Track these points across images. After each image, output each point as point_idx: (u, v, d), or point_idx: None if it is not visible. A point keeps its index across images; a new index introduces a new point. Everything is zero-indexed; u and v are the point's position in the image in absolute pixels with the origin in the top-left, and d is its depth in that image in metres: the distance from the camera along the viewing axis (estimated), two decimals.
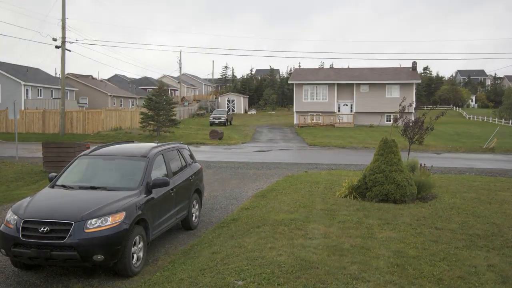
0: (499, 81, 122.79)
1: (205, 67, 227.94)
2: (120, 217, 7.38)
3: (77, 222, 7.13)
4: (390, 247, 8.17)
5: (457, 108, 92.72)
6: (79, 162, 9.32)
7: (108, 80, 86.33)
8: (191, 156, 11.45)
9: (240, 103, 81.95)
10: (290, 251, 7.89)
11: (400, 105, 17.97)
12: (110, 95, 64.15)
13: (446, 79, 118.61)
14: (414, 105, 26.34)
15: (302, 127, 50.80)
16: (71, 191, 8.40)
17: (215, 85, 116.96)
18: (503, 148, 31.18)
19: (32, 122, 38.90)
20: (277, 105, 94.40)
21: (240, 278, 6.77)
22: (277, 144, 34.81)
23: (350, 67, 74.38)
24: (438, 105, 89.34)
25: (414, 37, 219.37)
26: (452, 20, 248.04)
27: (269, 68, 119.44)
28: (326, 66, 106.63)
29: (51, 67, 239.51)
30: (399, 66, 63.27)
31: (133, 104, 71.94)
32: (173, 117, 38.08)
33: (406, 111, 17.85)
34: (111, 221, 7.28)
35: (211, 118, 53.92)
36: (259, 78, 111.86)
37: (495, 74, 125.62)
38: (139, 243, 7.85)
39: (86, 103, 61.38)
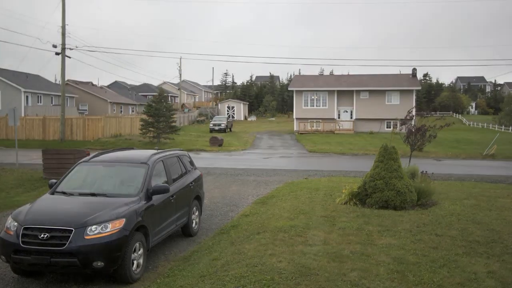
0: (499, 88, 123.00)
1: (205, 74, 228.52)
2: (120, 223, 7.39)
3: (77, 229, 7.14)
4: (390, 253, 8.17)
5: (457, 114, 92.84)
6: (79, 168, 9.33)
7: (108, 86, 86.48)
8: (191, 162, 11.47)
9: (240, 109, 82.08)
10: (290, 257, 7.89)
11: (409, 112, 18.05)
12: (110, 102, 64.23)
13: (446, 85, 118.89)
14: (414, 113, 26.44)
15: (302, 133, 50.85)
16: (71, 197, 8.40)
17: (215, 92, 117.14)
18: (503, 155, 31.18)
19: (32, 129, 38.93)
20: (277, 111, 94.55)
21: (240, 284, 6.77)
22: (277, 150, 34.82)
23: (350, 73, 74.56)
24: (438, 112, 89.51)
25: (414, 42, 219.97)
26: (452, 25, 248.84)
27: (269, 74, 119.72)
28: (326, 72, 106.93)
29: (51, 73, 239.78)
30: (399, 73, 63.42)
31: (133, 111, 72.02)
32: (173, 124, 38.14)
33: (409, 118, 17.96)
34: (111, 228, 7.29)
35: (211, 125, 53.97)
36: (259, 84, 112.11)
37: (495, 80, 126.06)
38: (139, 249, 7.85)
39: (86, 110, 61.47)
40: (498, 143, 33.70)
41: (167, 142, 36.23)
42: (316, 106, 55.13)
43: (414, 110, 24.85)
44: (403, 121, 18.08)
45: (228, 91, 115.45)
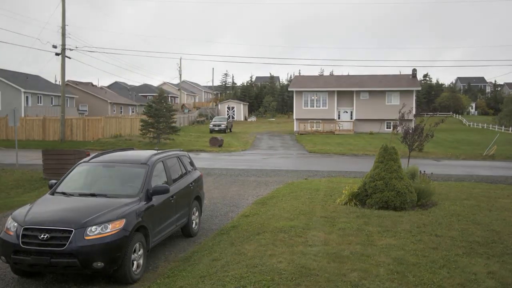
0: (499, 88, 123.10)
1: (205, 74, 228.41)
2: (120, 224, 7.39)
3: (77, 229, 7.14)
4: (390, 254, 8.17)
5: (457, 115, 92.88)
6: (79, 169, 9.33)
7: (108, 87, 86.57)
8: (191, 163, 11.47)
9: (240, 110, 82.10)
10: (290, 258, 7.89)
11: (399, 112, 17.99)
12: (110, 102, 64.26)
13: (446, 86, 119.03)
14: (413, 112, 26.37)
15: (302, 134, 50.85)
16: (71, 198, 8.41)
17: (215, 92, 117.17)
18: (503, 155, 31.19)
19: (32, 129, 38.91)
20: (277, 112, 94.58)
21: (240, 285, 6.77)
22: (277, 151, 34.82)
23: (350, 74, 74.63)
24: (438, 112, 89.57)
25: (413, 43, 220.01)
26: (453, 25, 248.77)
27: (269, 75, 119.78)
28: (326, 73, 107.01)
29: (51, 74, 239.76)
30: (399, 73, 63.45)
31: (133, 111, 72.05)
32: (173, 124, 38.13)
33: (406, 118, 17.88)
34: (111, 228, 7.29)
35: (211, 125, 53.99)
36: (259, 85, 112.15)
37: (495, 81, 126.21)
38: (139, 250, 7.85)
39: (86, 110, 61.49)
40: (498, 144, 33.71)
41: (167, 142, 36.22)
42: (316, 106, 55.14)
43: (413, 109, 24.73)
44: (399, 122, 18.01)
45: (228, 92, 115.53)
